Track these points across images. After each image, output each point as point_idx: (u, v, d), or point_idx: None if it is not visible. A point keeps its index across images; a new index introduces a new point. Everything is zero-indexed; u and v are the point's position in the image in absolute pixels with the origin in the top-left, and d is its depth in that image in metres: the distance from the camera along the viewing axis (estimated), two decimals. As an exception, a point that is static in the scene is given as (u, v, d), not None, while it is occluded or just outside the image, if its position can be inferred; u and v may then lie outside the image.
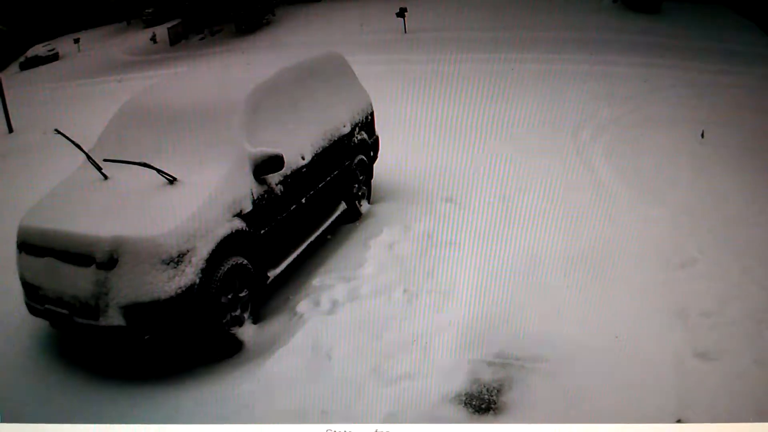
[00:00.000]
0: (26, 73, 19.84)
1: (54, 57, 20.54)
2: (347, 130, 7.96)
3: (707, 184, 8.24)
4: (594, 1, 17.58)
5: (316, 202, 7.26)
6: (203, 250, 5.51)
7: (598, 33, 15.72)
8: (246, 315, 6.11)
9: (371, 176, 8.81)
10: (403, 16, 18.28)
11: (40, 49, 20.35)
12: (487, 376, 5.27)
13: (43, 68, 19.93)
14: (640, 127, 10.62)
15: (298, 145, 6.92)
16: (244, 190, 6.06)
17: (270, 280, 6.44)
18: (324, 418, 5.02)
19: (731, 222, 7.21)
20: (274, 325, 6.18)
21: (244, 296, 6.06)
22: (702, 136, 9.74)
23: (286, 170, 6.54)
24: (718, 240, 6.87)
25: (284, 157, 6.30)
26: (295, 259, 6.85)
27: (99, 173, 6.21)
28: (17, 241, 5.92)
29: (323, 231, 7.47)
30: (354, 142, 8.13)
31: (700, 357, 5.27)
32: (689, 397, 4.91)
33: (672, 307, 5.90)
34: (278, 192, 6.49)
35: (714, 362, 5.21)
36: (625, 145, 9.88)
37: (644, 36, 15.32)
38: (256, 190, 6.20)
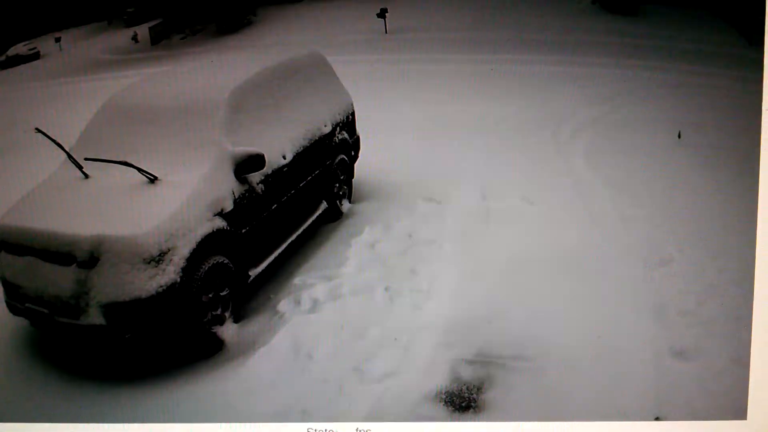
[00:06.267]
0: (6, 72, 19.67)
1: (35, 56, 20.35)
2: (328, 129, 7.97)
3: (684, 183, 8.29)
4: (573, 2, 17.63)
5: (297, 202, 7.27)
6: (184, 249, 5.50)
7: (577, 34, 15.77)
8: (227, 314, 6.11)
9: (352, 176, 8.83)
10: (384, 17, 18.26)
11: (20, 48, 20.19)
12: (468, 374, 5.29)
13: (23, 67, 19.74)
14: (618, 127, 10.67)
15: (279, 144, 6.92)
16: (225, 190, 6.06)
17: (251, 279, 6.44)
18: (305, 417, 5.03)
19: (708, 221, 7.25)
20: (255, 324, 6.18)
21: (225, 295, 6.06)
22: (679, 136, 9.80)
23: (267, 169, 6.54)
24: (695, 239, 6.92)
25: (265, 156, 6.31)
26: (276, 258, 6.86)
27: (80, 172, 6.19)
28: (-3, 240, 5.89)
29: (304, 230, 7.47)
30: (335, 142, 8.14)
31: (678, 355, 5.31)
32: (667, 395, 4.95)
33: (650, 306, 5.95)
34: (259, 191, 6.50)
35: (692, 360, 5.26)
36: (604, 146, 9.92)
37: (622, 37, 15.39)
38: (237, 189, 6.20)
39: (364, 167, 9.17)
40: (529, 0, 17.72)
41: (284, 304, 6.34)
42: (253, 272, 6.48)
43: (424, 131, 10.78)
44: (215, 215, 5.89)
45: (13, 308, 5.95)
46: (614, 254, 6.80)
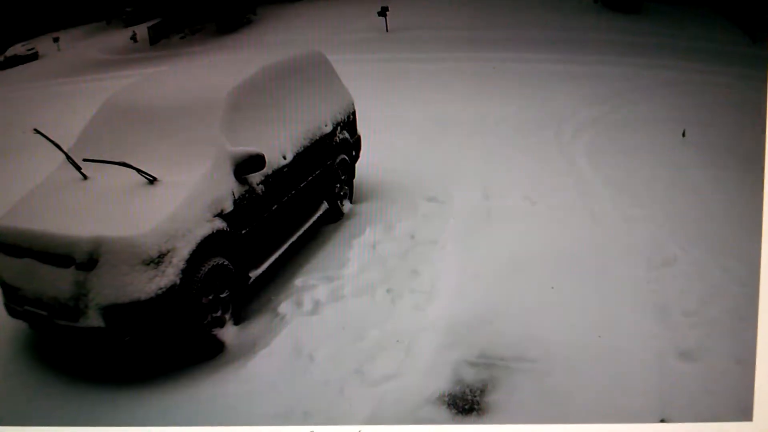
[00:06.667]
0: (5, 72, 19.65)
1: (33, 56, 20.33)
2: (329, 129, 7.93)
3: (688, 182, 8.26)
4: (574, 0, 17.59)
5: (297, 202, 7.23)
6: (184, 250, 5.46)
7: (579, 33, 15.74)
8: (227, 316, 6.07)
9: (353, 176, 8.79)
10: (385, 15, 18.24)
11: (19, 49, 20.17)
12: (471, 376, 5.25)
13: (22, 68, 19.72)
14: (621, 126, 10.64)
15: (279, 144, 6.88)
16: (225, 190, 6.02)
17: (251, 280, 6.40)
18: (306, 419, 5.01)
19: (712, 220, 7.23)
20: (255, 326, 6.15)
21: (225, 297, 6.02)
22: (683, 134, 9.77)
23: (267, 170, 6.50)
24: (698, 238, 6.88)
25: (265, 156, 6.26)
26: (276, 259, 6.82)
27: (78, 173, 6.15)
28: (-5, 242, 5.85)
29: (305, 231, 7.43)
30: (336, 142, 8.10)
31: (682, 356, 5.28)
32: (672, 396, 4.92)
33: (654, 306, 5.91)
34: (259, 192, 6.46)
35: (696, 361, 5.23)
36: (606, 144, 9.89)
37: (624, 35, 15.36)
38: (237, 189, 6.16)
39: (365, 167, 9.13)
40: (530, -2, 17.70)
41: (285, 306, 6.31)
42: (254, 274, 6.44)
43: (425, 131, 10.75)
44: (215, 216, 5.85)
45: (11, 311, 5.91)
46: (616, 254, 6.76)
